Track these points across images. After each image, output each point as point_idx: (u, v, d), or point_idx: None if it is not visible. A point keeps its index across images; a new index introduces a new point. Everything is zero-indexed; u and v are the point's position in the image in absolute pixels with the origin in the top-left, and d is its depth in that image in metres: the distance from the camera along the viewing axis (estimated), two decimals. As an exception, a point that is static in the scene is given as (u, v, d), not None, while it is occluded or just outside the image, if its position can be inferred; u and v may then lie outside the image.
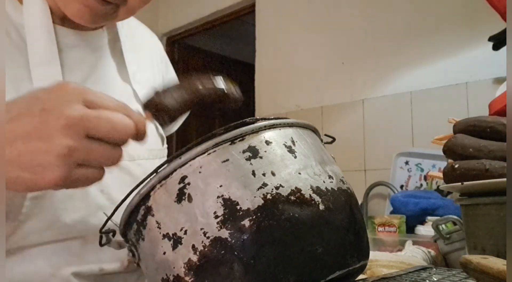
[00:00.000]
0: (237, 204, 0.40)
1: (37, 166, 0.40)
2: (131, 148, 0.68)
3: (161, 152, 0.75)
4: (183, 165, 0.42)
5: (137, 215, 0.44)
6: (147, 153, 0.71)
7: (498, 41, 1.05)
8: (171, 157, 0.43)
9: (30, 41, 0.60)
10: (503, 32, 1.02)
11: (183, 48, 3.55)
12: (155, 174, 0.43)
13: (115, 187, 0.64)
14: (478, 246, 0.57)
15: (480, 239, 0.57)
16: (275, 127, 0.45)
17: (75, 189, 0.59)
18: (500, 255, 0.52)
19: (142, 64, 0.77)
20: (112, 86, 0.70)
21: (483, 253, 0.55)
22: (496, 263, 0.41)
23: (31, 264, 0.60)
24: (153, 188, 0.43)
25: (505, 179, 0.52)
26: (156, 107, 0.49)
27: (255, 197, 0.40)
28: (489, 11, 0.97)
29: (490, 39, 1.06)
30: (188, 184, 0.41)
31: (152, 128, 0.75)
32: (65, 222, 0.60)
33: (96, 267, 0.64)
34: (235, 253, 0.39)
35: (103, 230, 0.47)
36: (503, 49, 1.03)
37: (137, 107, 0.74)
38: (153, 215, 0.43)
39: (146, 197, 0.43)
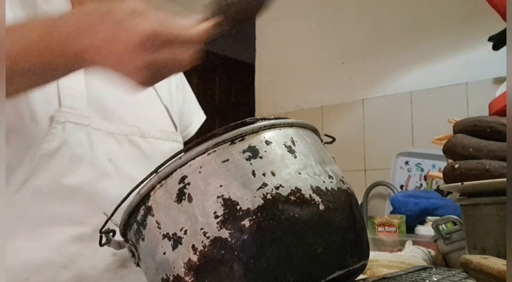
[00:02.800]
0: (237, 204, 0.40)
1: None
2: (143, 126, 0.71)
3: (173, 135, 0.77)
4: (183, 165, 0.42)
5: (137, 215, 0.44)
6: (158, 133, 0.74)
7: (498, 41, 1.04)
8: (171, 157, 0.43)
9: None
10: (503, 32, 1.02)
11: (183, 48, 3.55)
12: (155, 174, 0.43)
13: (123, 159, 0.67)
14: (478, 246, 0.57)
15: (480, 239, 0.57)
16: (275, 127, 0.45)
17: (85, 153, 0.63)
18: (500, 255, 0.51)
19: None
20: None
21: (483, 253, 0.55)
22: (496, 263, 0.41)
23: (43, 255, 0.60)
24: (153, 188, 0.43)
25: (505, 179, 0.52)
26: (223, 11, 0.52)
27: (255, 197, 0.40)
28: (489, 11, 0.97)
29: (490, 39, 1.06)
30: (188, 184, 0.41)
31: (165, 115, 0.78)
32: (72, 182, 0.62)
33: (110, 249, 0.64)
34: (235, 253, 0.39)
35: (103, 230, 0.47)
36: (503, 49, 1.02)
37: (155, 105, 0.76)
38: (153, 215, 0.43)
39: (146, 197, 0.43)
